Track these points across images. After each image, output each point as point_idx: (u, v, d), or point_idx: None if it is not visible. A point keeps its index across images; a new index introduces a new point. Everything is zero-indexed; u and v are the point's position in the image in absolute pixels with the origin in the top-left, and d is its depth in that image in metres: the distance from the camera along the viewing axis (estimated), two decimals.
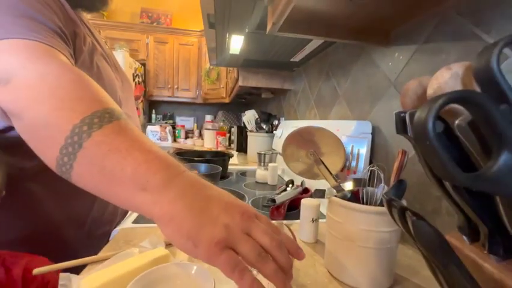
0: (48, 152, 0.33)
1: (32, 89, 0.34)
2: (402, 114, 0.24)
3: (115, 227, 0.63)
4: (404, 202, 0.42)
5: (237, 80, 1.69)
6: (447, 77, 0.21)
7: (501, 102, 0.17)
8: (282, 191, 0.82)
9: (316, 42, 1.01)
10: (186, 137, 3.41)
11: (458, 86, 0.21)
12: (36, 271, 0.42)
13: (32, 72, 0.35)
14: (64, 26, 0.47)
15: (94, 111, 0.32)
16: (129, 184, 0.30)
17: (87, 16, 0.65)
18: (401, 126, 0.24)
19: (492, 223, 0.22)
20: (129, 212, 0.72)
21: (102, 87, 0.38)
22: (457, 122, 0.20)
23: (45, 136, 0.33)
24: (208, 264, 0.27)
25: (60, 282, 0.38)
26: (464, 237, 0.25)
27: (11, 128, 0.48)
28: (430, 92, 0.22)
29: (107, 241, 0.60)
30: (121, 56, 2.50)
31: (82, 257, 0.47)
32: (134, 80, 2.80)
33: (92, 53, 0.56)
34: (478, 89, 0.19)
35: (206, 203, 0.29)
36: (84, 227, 0.60)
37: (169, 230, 0.28)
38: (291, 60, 1.29)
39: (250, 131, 1.81)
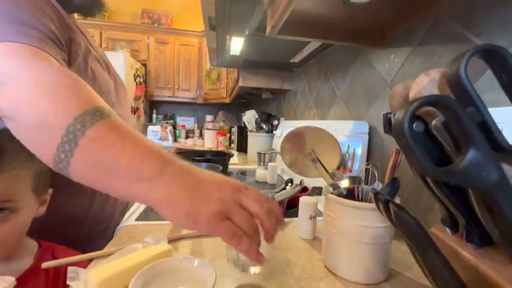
0: (45, 151, 0.34)
1: (25, 92, 0.35)
2: (388, 115, 0.26)
3: (117, 224, 0.65)
4: (398, 199, 0.44)
5: (237, 81, 1.71)
6: (425, 82, 0.23)
7: (468, 105, 0.20)
8: (281, 190, 0.84)
9: (314, 44, 1.03)
10: (187, 137, 3.43)
11: (435, 91, 0.23)
12: (44, 265, 0.44)
13: (24, 76, 0.37)
14: (60, 31, 0.49)
15: (85, 109, 0.34)
16: (125, 176, 0.32)
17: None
18: (388, 126, 0.26)
19: (468, 214, 0.24)
20: (128, 211, 0.74)
21: (97, 89, 0.40)
22: (433, 122, 0.22)
23: (42, 136, 0.34)
24: (209, 234, 0.31)
25: (68, 275, 0.40)
26: (447, 229, 0.27)
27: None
28: (411, 95, 0.24)
29: (107, 237, 0.62)
30: (121, 56, 2.51)
31: (83, 253, 0.50)
32: (135, 80, 2.82)
33: (87, 57, 0.58)
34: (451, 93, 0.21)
35: (198, 183, 0.33)
36: (84, 224, 0.62)
37: (168, 212, 0.31)
38: (291, 61, 1.31)
39: (251, 131, 1.82)
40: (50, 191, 0.53)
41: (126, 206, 0.76)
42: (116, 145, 0.33)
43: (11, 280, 0.36)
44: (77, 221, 0.61)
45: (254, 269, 0.45)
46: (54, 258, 0.50)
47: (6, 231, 0.44)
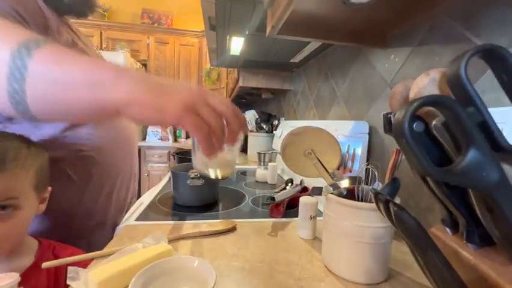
0: None
1: None
2: (388, 115, 0.26)
3: (116, 224, 0.65)
4: (398, 199, 0.44)
5: (237, 81, 1.71)
6: (426, 82, 0.23)
7: (468, 105, 0.20)
8: (281, 190, 0.84)
9: (315, 44, 1.03)
10: (187, 137, 3.43)
11: (435, 91, 0.23)
12: (44, 265, 0.44)
13: None
14: (30, 15, 0.49)
15: (26, 38, 0.33)
16: (84, 86, 0.31)
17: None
18: (388, 126, 0.26)
19: (468, 214, 0.24)
20: (129, 211, 0.73)
21: None
22: (433, 122, 0.22)
23: None
24: (177, 125, 0.31)
25: (68, 275, 0.40)
26: (447, 229, 0.27)
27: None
28: (411, 95, 0.24)
29: (102, 234, 0.62)
30: (121, 56, 2.52)
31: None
32: None
33: (71, 48, 0.58)
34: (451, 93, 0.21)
35: (161, 83, 0.33)
36: (75, 218, 0.61)
37: (135, 111, 0.31)
38: (291, 61, 1.31)
39: (251, 131, 1.82)
40: (50, 189, 0.53)
41: (124, 203, 0.75)
42: (67, 60, 0.32)
43: (16, 276, 0.37)
44: (67, 214, 0.60)
45: (218, 172, 0.43)
46: (55, 256, 0.51)
47: (10, 229, 0.45)
